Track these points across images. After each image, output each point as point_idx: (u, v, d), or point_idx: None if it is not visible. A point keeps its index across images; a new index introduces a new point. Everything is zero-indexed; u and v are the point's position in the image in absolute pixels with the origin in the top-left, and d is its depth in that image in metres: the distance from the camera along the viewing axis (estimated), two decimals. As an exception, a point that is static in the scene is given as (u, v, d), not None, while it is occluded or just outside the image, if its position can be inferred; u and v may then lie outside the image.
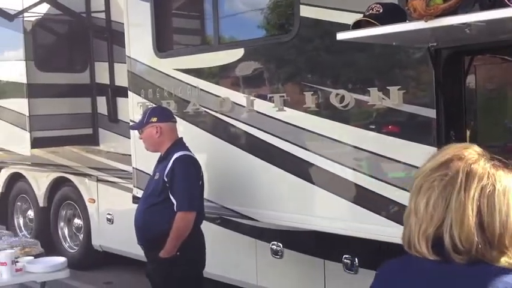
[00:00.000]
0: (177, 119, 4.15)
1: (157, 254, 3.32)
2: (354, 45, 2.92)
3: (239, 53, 3.80)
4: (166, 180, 3.34)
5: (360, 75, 3.21)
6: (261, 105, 3.63)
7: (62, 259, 3.89)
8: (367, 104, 3.09)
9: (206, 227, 4.39)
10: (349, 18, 2.80)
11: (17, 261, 3.73)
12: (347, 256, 3.69)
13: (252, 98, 3.68)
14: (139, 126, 3.59)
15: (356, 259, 3.66)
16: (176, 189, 3.31)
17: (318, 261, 3.92)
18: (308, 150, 3.42)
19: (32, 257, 3.91)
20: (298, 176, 3.50)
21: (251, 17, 4.02)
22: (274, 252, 4.16)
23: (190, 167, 3.40)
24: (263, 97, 3.62)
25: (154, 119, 3.48)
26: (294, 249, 4.07)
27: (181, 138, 3.59)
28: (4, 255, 3.64)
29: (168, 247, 3.28)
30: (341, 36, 2.52)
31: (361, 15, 2.55)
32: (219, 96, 3.90)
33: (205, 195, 4.02)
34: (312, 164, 3.41)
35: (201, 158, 4.11)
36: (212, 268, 4.52)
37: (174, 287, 3.41)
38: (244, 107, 3.74)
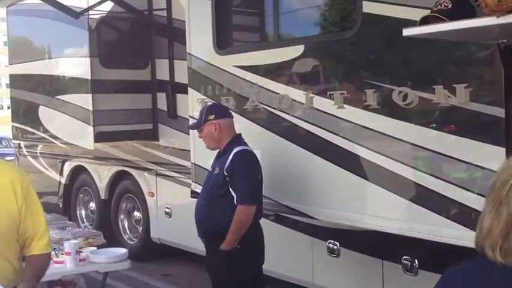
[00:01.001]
0: (236, 115, 4.19)
1: (218, 246, 3.37)
2: (419, 42, 2.85)
3: (299, 49, 3.79)
4: (226, 174, 3.40)
5: (424, 72, 3.13)
6: (320, 102, 3.60)
7: (123, 250, 4.01)
8: (431, 102, 3.01)
9: (262, 223, 4.42)
10: (415, 14, 2.73)
11: (81, 252, 3.87)
12: (406, 257, 3.62)
13: (311, 95, 3.66)
14: (198, 125, 3.64)
15: (416, 260, 3.58)
16: (236, 183, 3.37)
17: (376, 262, 3.87)
18: (368, 148, 3.37)
19: (95, 248, 4.04)
20: (357, 174, 3.46)
21: (311, 14, 3.99)
22: (331, 251, 4.13)
23: (250, 161, 3.46)
24: (323, 94, 3.59)
25: (212, 117, 3.53)
26: (351, 248, 4.02)
27: (239, 134, 3.63)
28: (68, 245, 3.79)
29: (228, 239, 3.33)
30: (408, 32, 2.46)
31: (428, 10, 2.48)
32: (277, 93, 3.90)
33: (267, 194, 4.05)
34: (371, 162, 3.36)
35: (259, 155, 4.12)
36: (268, 265, 4.54)
37: (233, 279, 3.44)
38: (303, 104, 3.72)
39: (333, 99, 3.50)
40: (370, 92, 3.29)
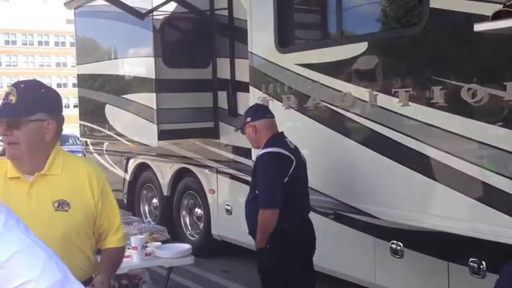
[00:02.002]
0: (296, 113, 4.20)
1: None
2: (489, 37, 2.76)
3: (362, 46, 3.74)
4: (253, 176, 3.51)
5: (495, 68, 3.02)
6: (384, 100, 3.54)
7: (187, 246, 4.09)
8: (502, 99, 2.90)
9: (321, 221, 4.41)
10: (485, 8, 2.64)
11: (147, 246, 3.98)
12: (473, 259, 3.51)
13: (375, 92, 3.61)
14: (241, 127, 3.70)
15: (483, 263, 3.47)
16: (258, 186, 3.43)
17: (441, 263, 3.77)
18: (433, 146, 3.29)
19: (160, 243, 4.15)
20: (422, 173, 3.38)
21: (375, 10, 3.93)
22: (394, 252, 4.06)
23: (271, 164, 3.40)
24: (387, 92, 3.53)
25: (249, 119, 3.57)
26: (415, 249, 3.94)
27: (278, 133, 3.57)
28: (135, 240, 3.90)
29: (257, 239, 3.43)
30: (479, 27, 2.39)
31: (499, 5, 2.40)
32: (340, 91, 3.87)
33: (323, 190, 4.03)
34: (437, 161, 3.27)
35: (320, 153, 4.12)
36: (328, 264, 4.53)
37: (264, 278, 3.53)
38: (366, 102, 3.67)
39: (397, 97, 3.44)
40: (437, 89, 3.20)
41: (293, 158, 3.44)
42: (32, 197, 2.01)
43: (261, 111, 3.66)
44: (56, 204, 2.02)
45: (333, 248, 4.53)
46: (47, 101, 2.05)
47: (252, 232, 3.55)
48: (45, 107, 2.03)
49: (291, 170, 3.41)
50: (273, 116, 3.61)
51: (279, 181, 3.36)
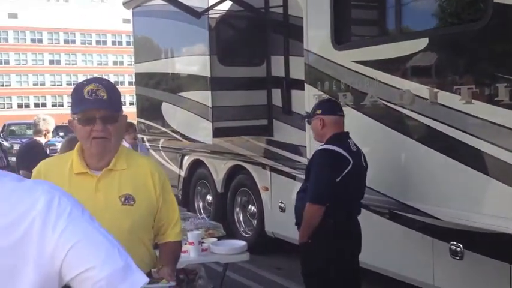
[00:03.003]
0: (353, 111, 4.14)
1: None
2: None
3: (422, 43, 3.65)
4: (307, 170, 3.55)
5: None
6: (445, 97, 3.45)
7: (242, 242, 4.12)
8: None
9: (376, 220, 4.35)
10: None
11: (203, 242, 4.03)
12: (539, 263, 3.38)
13: (435, 90, 3.52)
14: (308, 117, 3.75)
15: (550, 267, 3.33)
16: (310, 180, 3.45)
17: (504, 266, 3.64)
18: (498, 146, 3.17)
19: (216, 239, 4.19)
20: (484, 173, 3.28)
21: (435, 5, 3.83)
22: (454, 253, 3.95)
23: (326, 161, 3.40)
24: (448, 89, 3.44)
25: (319, 111, 3.56)
26: (476, 251, 3.82)
27: (343, 132, 3.55)
28: (192, 235, 3.96)
29: (300, 233, 3.47)
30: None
31: None
32: (399, 89, 3.79)
33: (379, 189, 3.97)
34: (502, 161, 3.16)
35: (377, 151, 4.06)
36: (385, 264, 4.46)
37: (305, 272, 3.56)
38: (426, 99, 3.58)
39: (459, 94, 3.34)
40: (501, 86, 3.09)
41: (350, 160, 3.41)
42: (100, 191, 2.07)
43: (333, 107, 3.65)
44: (123, 199, 2.07)
45: (389, 247, 4.45)
46: (120, 99, 2.12)
47: (298, 224, 3.59)
48: (121, 105, 2.11)
49: (346, 170, 3.38)
50: (343, 115, 3.60)
51: (331, 179, 3.37)
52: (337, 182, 3.37)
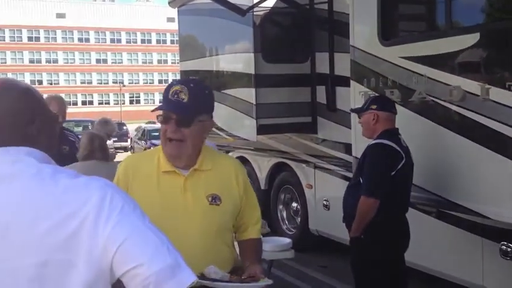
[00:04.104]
0: (400, 108, 4.07)
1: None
2: None
3: (473, 38, 3.55)
4: (359, 164, 3.52)
5: None
6: (498, 94, 3.34)
7: (287, 240, 4.12)
8: None
9: (423, 219, 4.26)
10: None
11: (248, 238, 4.04)
12: None
13: (487, 86, 3.42)
14: (359, 111, 3.72)
15: None
16: (363, 173, 3.43)
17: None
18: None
19: (261, 236, 4.20)
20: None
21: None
22: (504, 253, 3.84)
23: (381, 155, 3.42)
24: (501, 85, 3.33)
25: (374, 107, 3.56)
26: (528, 252, 3.70)
27: (394, 129, 3.55)
28: (237, 231, 3.98)
29: (352, 227, 3.44)
30: None
31: None
32: (448, 85, 3.71)
33: (427, 187, 3.90)
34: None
35: (425, 149, 3.98)
36: (429, 262, 4.37)
37: (356, 267, 3.55)
38: (477, 96, 3.49)
39: (512, 91, 3.24)
40: (557, 82, 2.98)
41: (403, 155, 3.42)
42: (188, 191, 2.08)
43: (388, 104, 3.67)
44: (210, 199, 2.08)
45: (436, 246, 4.36)
46: (209, 103, 2.11)
47: (346, 219, 3.59)
48: (207, 108, 2.10)
49: (399, 166, 3.40)
50: (396, 113, 3.61)
51: (386, 173, 3.37)
52: (391, 176, 3.38)
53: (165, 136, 2.07)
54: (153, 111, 2.15)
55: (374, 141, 3.47)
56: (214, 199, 2.08)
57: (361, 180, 3.44)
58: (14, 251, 1.12)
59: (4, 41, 62.66)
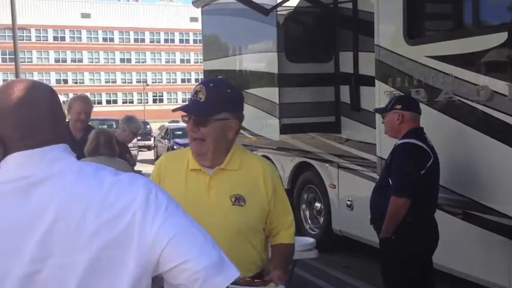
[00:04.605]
0: (426, 108, 4.03)
1: (379, 234, 3.49)
2: None
3: (502, 37, 3.49)
4: (387, 165, 3.47)
5: None
6: (526, 94, 3.29)
7: (311, 239, 4.12)
8: None
9: (449, 220, 4.20)
10: None
11: (271, 238, 4.04)
12: None
13: (516, 86, 3.36)
14: (383, 110, 3.69)
15: None
16: (392, 174, 3.40)
17: None
18: None
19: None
20: None
21: (516, -3, 3.66)
22: (532, 256, 3.77)
23: (409, 154, 3.38)
24: (529, 85, 3.28)
25: (399, 106, 3.53)
26: (558, 255, 3.63)
27: (420, 128, 3.52)
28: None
29: (383, 228, 3.41)
30: None
31: None
32: (476, 85, 3.65)
33: (454, 188, 3.85)
34: None
35: (451, 149, 3.93)
36: (455, 264, 4.31)
37: (388, 268, 3.52)
38: (505, 96, 3.43)
39: (542, 91, 3.18)
40: None
41: (431, 154, 3.40)
42: (212, 189, 2.09)
43: (414, 104, 3.64)
44: (233, 199, 2.07)
45: (463, 248, 4.30)
46: (231, 101, 2.10)
47: (374, 221, 3.56)
48: (229, 107, 2.08)
49: (428, 164, 3.38)
50: (420, 113, 3.58)
51: (416, 172, 3.34)
52: (420, 175, 3.35)
53: (189, 135, 2.10)
54: (173, 111, 2.18)
55: (402, 141, 3.44)
56: (238, 200, 2.07)
57: (390, 181, 3.41)
58: (63, 249, 1.14)
59: (30, 40, 63.72)
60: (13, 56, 16.98)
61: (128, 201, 1.17)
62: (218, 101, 2.04)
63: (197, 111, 2.04)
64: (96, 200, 1.16)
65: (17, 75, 16.28)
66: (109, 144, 3.92)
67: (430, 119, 4.08)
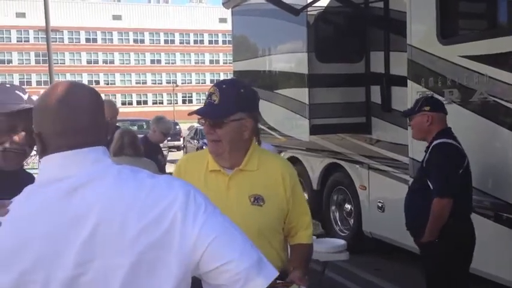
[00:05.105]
0: (460, 108, 3.97)
1: (419, 238, 3.40)
2: None
3: (538, 36, 3.42)
4: (424, 166, 3.39)
5: None
6: None
7: (342, 241, 4.08)
8: None
9: (482, 223, 4.11)
10: None
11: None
12: None
13: (554, 86, 3.28)
14: (411, 113, 3.61)
15: None
16: (432, 175, 3.33)
17: None
18: None
19: (315, 237, 4.17)
20: None
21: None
22: None
23: (447, 154, 3.34)
24: None
25: (427, 108, 3.47)
26: None
27: (449, 128, 3.46)
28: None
29: (426, 232, 3.33)
30: None
31: None
32: (511, 85, 3.57)
33: (488, 190, 3.77)
34: None
35: (485, 150, 3.85)
36: (487, 267, 4.22)
37: (433, 272, 3.42)
38: (543, 96, 3.36)
39: None
40: None
41: (465, 154, 3.35)
42: (231, 189, 2.11)
43: (441, 104, 3.58)
44: (252, 199, 2.09)
45: (494, 250, 4.21)
46: (245, 101, 2.11)
47: (412, 225, 3.49)
48: (244, 107, 2.09)
49: (465, 164, 3.34)
50: (447, 113, 3.52)
51: (456, 172, 3.30)
52: (459, 175, 3.31)
53: (206, 136, 2.14)
54: (189, 114, 2.20)
55: (438, 141, 3.37)
56: (257, 200, 2.09)
57: (430, 183, 3.34)
58: (106, 252, 1.15)
59: (63, 42, 64.96)
60: (46, 58, 17.32)
61: (168, 203, 1.18)
62: (232, 101, 2.06)
63: (211, 113, 2.07)
64: (136, 203, 1.17)
65: (50, 76, 16.61)
66: (133, 145, 3.97)
67: (463, 120, 4.01)
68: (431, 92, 4.25)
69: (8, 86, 1.85)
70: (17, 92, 1.81)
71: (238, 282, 1.16)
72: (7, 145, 1.73)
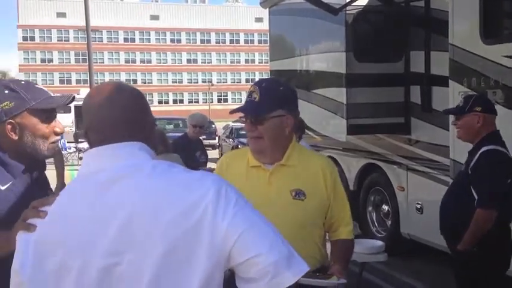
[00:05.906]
0: (504, 109, 3.89)
1: (455, 245, 3.24)
2: None
3: None
4: (470, 173, 3.20)
5: None
6: None
7: (380, 243, 4.04)
8: None
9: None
10: None
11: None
12: None
13: None
14: (460, 112, 3.38)
15: None
16: (478, 183, 3.15)
17: None
18: None
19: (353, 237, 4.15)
20: None
21: None
22: None
23: (497, 163, 3.15)
24: None
25: (479, 108, 3.27)
26: None
27: (497, 131, 3.31)
28: (328, 232, 3.96)
29: (464, 240, 3.17)
30: None
31: None
32: (558, 85, 3.48)
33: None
34: None
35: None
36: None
37: (468, 282, 3.30)
38: None
39: None
40: None
41: None
42: (272, 184, 2.16)
43: (493, 106, 3.41)
44: (293, 193, 2.13)
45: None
46: (285, 98, 2.16)
47: (447, 230, 3.38)
48: (283, 104, 2.14)
49: None
50: (497, 114, 3.37)
51: (504, 182, 3.16)
52: (507, 184, 3.16)
53: (247, 134, 2.18)
54: (231, 113, 2.28)
55: (486, 148, 3.19)
56: (298, 194, 2.12)
57: (474, 191, 3.18)
58: (139, 242, 1.18)
59: (102, 42, 66.22)
60: (86, 57, 17.70)
61: (199, 196, 1.21)
62: (272, 99, 2.11)
63: (253, 110, 2.13)
64: (169, 196, 1.21)
65: (90, 75, 16.97)
66: (162, 141, 4.08)
67: (508, 122, 3.91)
68: (474, 92, 4.16)
69: (36, 85, 1.96)
70: (44, 89, 1.94)
71: (267, 275, 1.17)
72: (53, 139, 1.88)
